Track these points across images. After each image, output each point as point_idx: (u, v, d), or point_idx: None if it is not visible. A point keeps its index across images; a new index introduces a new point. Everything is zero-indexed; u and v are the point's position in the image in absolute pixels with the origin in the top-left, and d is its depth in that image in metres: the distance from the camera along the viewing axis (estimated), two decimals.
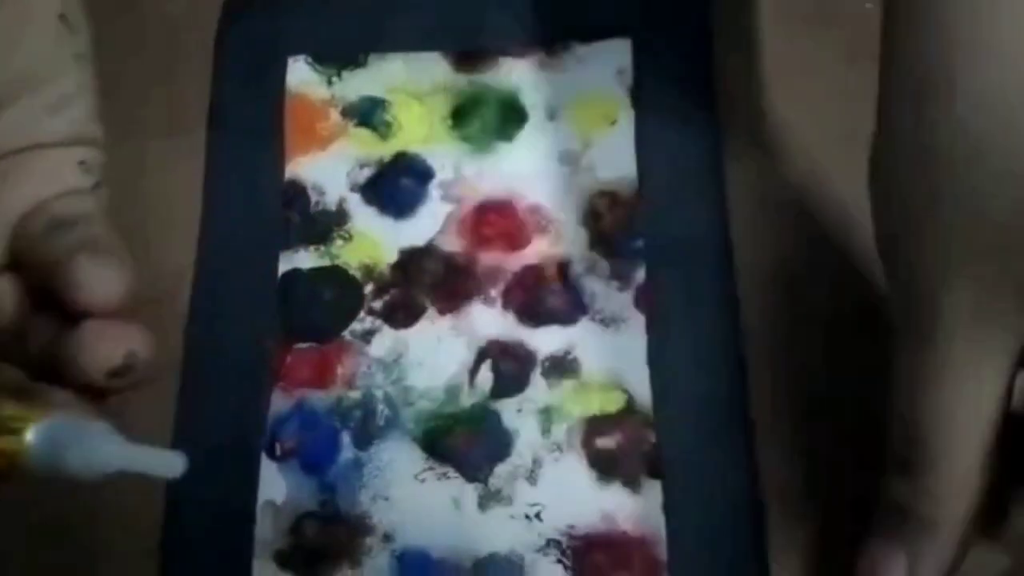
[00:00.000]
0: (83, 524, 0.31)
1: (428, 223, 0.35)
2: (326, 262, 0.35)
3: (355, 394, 0.33)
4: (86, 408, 0.22)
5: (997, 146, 0.20)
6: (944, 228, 0.21)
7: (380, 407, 0.33)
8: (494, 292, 0.34)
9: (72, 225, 0.23)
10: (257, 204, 0.35)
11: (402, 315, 0.34)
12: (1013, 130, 0.20)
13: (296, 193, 0.36)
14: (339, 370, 0.33)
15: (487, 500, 0.31)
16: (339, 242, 0.35)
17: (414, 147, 0.36)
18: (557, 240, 0.35)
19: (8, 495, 0.22)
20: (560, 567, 0.30)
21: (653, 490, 0.31)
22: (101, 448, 0.20)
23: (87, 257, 0.22)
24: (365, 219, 0.35)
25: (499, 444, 0.32)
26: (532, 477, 0.31)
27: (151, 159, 0.36)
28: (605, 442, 0.32)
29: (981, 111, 0.20)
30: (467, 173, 0.36)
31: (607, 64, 0.36)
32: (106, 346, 0.22)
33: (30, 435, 0.20)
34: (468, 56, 0.37)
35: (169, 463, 0.20)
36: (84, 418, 0.21)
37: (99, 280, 0.22)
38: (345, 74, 0.37)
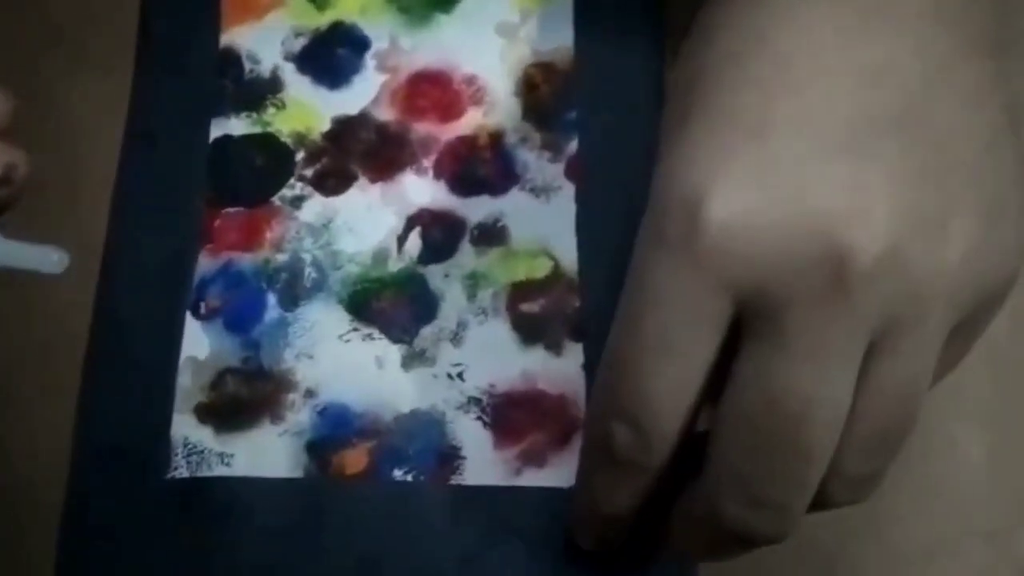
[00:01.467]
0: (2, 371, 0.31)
1: (362, 93, 0.35)
2: (258, 129, 0.34)
3: (283, 257, 0.33)
4: None
5: None
6: None
7: (307, 270, 0.32)
8: (426, 162, 0.34)
9: None
10: (191, 71, 0.35)
11: (333, 182, 0.34)
12: None
13: (230, 61, 0.35)
14: (267, 234, 0.33)
15: (410, 360, 0.31)
16: (272, 110, 0.35)
17: (350, 17, 0.36)
18: (491, 111, 0.34)
19: None
20: (479, 423, 0.30)
21: (574, 352, 0.31)
22: None
23: None
24: (299, 88, 0.35)
25: (425, 307, 0.32)
26: (456, 339, 0.32)
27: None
28: (530, 307, 0.32)
29: None
30: (403, 44, 0.35)
31: None
32: None
33: None
34: None
35: (50, 259, 0.20)
36: None
37: None
38: None
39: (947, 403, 0.31)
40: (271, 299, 0.32)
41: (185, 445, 0.30)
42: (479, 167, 0.34)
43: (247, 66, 0.35)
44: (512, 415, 0.30)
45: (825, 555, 0.30)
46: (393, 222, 0.33)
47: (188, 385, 0.31)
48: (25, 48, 0.35)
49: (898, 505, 0.30)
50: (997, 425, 0.31)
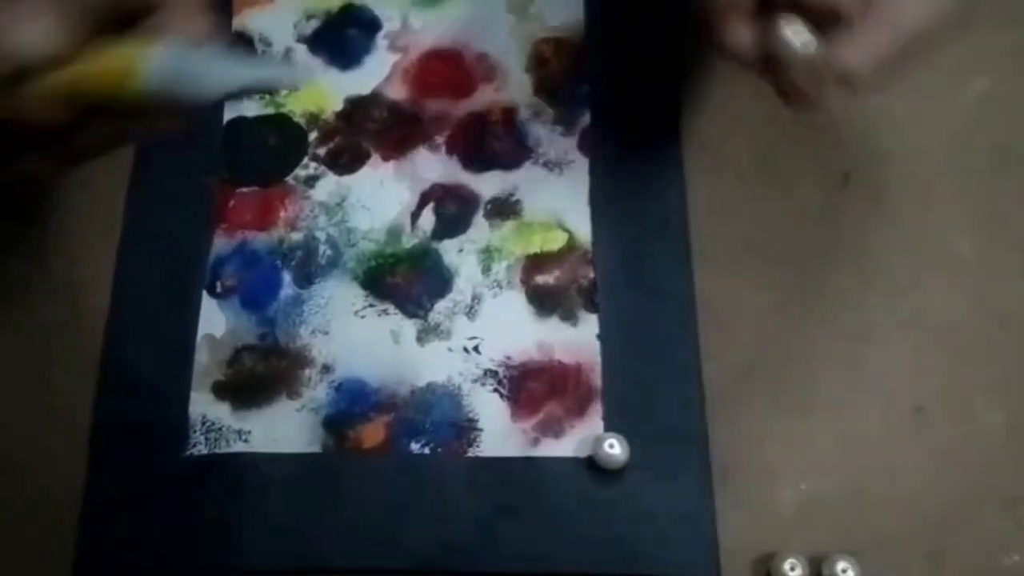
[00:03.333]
0: (24, 356, 0.31)
1: (374, 72, 0.35)
2: (271, 110, 0.34)
3: (297, 235, 0.33)
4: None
5: None
6: None
7: (322, 247, 0.32)
8: (439, 138, 0.34)
9: None
10: None
11: (346, 161, 0.34)
12: None
13: (243, 44, 0.35)
14: (282, 213, 0.33)
15: (426, 334, 0.31)
16: (284, 91, 0.35)
17: None
18: (503, 87, 0.34)
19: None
20: (496, 395, 0.30)
21: (589, 322, 0.31)
22: (221, 65, 0.21)
23: None
24: (311, 69, 0.35)
25: (439, 282, 0.32)
26: (471, 313, 0.31)
27: None
28: (544, 278, 0.32)
29: None
30: (414, 23, 0.35)
31: None
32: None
33: (149, 56, 0.21)
34: None
35: (290, 75, 0.23)
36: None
37: None
38: None
39: (968, 373, 0.31)
40: (286, 277, 0.32)
41: (203, 422, 0.30)
42: (492, 142, 0.34)
43: (260, 48, 0.35)
44: (529, 386, 0.30)
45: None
46: (407, 198, 0.33)
47: (205, 363, 0.31)
48: None
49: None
50: (1017, 395, 0.31)
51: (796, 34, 0.25)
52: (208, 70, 0.21)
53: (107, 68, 0.21)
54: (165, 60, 0.21)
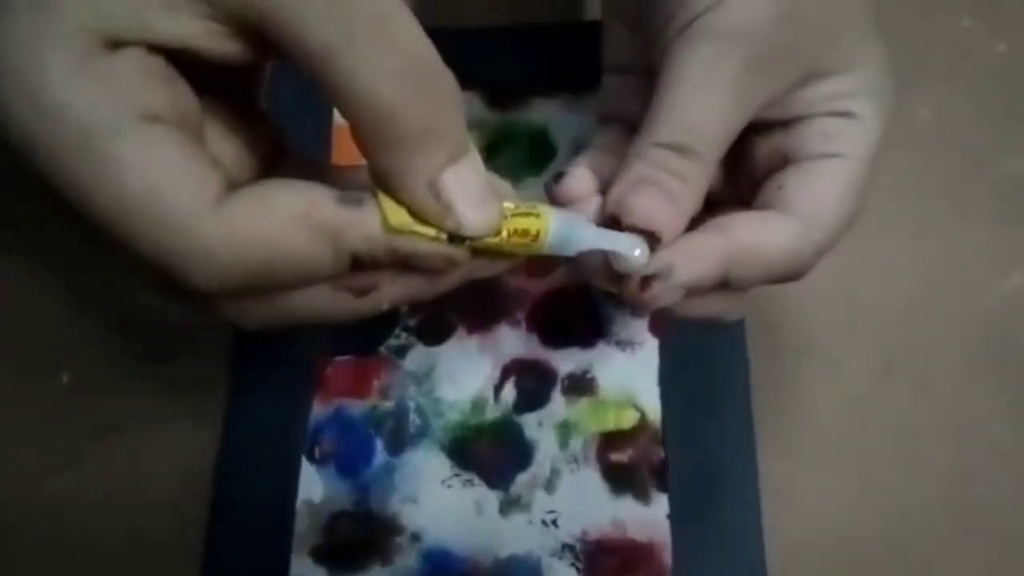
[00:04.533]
0: (133, 509, 0.34)
1: None
2: None
3: (389, 404, 0.36)
4: None
5: None
6: None
7: (412, 416, 0.35)
8: (519, 314, 0.37)
9: None
10: None
11: (434, 333, 0.37)
12: None
13: None
14: (375, 382, 0.36)
15: (508, 506, 0.34)
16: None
17: None
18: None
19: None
20: (574, 570, 0.33)
21: (660, 502, 0.33)
22: (585, 231, 0.24)
23: None
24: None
25: (520, 454, 0.35)
26: (550, 486, 0.34)
27: None
28: (618, 456, 0.34)
29: None
30: None
31: None
32: None
33: (549, 218, 0.23)
34: (501, 95, 0.40)
35: (630, 245, 0.24)
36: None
37: None
38: None
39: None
40: (379, 444, 0.35)
41: None
42: (568, 320, 0.37)
43: None
44: (604, 562, 0.33)
45: None
46: (489, 371, 0.36)
47: (304, 527, 0.34)
48: None
49: None
50: None
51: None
52: (583, 233, 0.24)
53: (524, 230, 0.23)
54: (562, 224, 0.23)
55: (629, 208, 0.25)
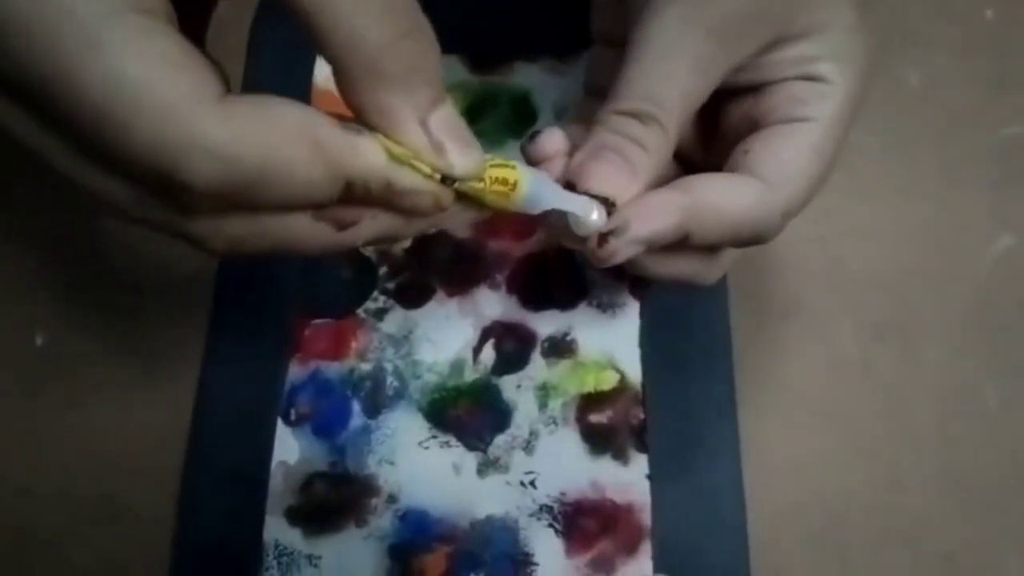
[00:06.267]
0: (107, 473, 0.34)
1: None
2: None
3: (367, 366, 0.35)
4: None
5: None
6: None
7: (389, 379, 0.35)
8: (499, 277, 0.36)
9: None
10: None
11: (413, 295, 0.36)
12: None
13: None
14: (353, 344, 0.36)
15: (485, 467, 0.33)
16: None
17: None
18: None
19: None
20: (551, 531, 0.32)
21: (639, 462, 0.33)
22: (548, 190, 0.24)
23: None
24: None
25: (499, 416, 0.34)
26: (528, 448, 0.34)
27: None
28: (597, 417, 0.34)
29: None
30: None
31: None
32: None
33: (522, 172, 0.24)
34: (483, 59, 0.40)
35: (587, 208, 0.24)
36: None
37: None
38: None
39: (995, 526, 0.32)
40: (356, 406, 0.34)
41: (276, 547, 0.32)
42: (549, 283, 0.36)
43: None
44: (583, 523, 0.32)
45: None
46: (469, 333, 0.35)
47: (279, 488, 0.33)
48: None
49: None
50: None
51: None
52: (546, 192, 0.24)
53: (504, 179, 0.23)
54: (533, 181, 0.24)
55: (586, 174, 0.25)
